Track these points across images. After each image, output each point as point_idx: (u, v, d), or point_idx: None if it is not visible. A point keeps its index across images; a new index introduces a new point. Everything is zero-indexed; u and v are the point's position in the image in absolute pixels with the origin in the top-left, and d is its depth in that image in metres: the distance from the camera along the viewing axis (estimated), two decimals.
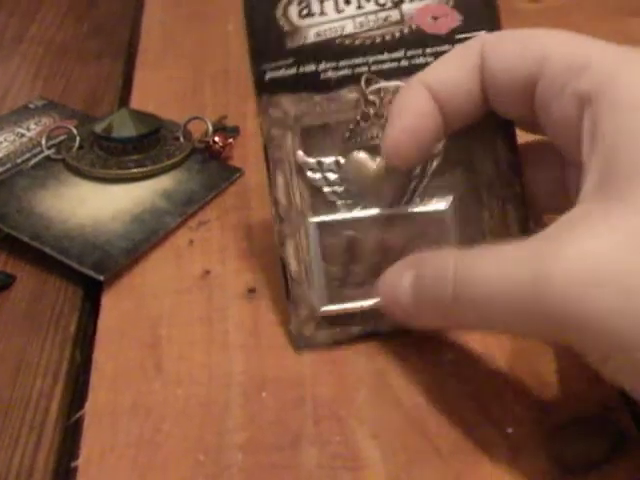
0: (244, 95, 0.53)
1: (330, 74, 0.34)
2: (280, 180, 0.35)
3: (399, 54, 0.34)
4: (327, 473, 0.30)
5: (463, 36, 0.34)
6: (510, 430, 0.31)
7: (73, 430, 0.33)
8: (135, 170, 0.45)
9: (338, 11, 0.34)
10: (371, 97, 0.34)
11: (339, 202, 0.34)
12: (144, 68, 0.58)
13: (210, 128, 0.47)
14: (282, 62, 0.34)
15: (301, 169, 0.34)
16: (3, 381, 0.34)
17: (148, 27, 0.64)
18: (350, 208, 0.34)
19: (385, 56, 0.34)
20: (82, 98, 0.55)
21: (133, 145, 0.46)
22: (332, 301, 0.34)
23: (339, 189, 0.34)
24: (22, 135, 0.48)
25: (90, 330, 0.38)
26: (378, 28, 0.34)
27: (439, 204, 0.34)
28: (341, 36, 0.34)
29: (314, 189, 0.34)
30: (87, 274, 0.39)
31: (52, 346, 0.36)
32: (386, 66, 0.34)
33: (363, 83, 0.34)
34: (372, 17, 0.34)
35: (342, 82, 0.34)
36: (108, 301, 0.38)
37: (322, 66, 0.34)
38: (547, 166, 0.35)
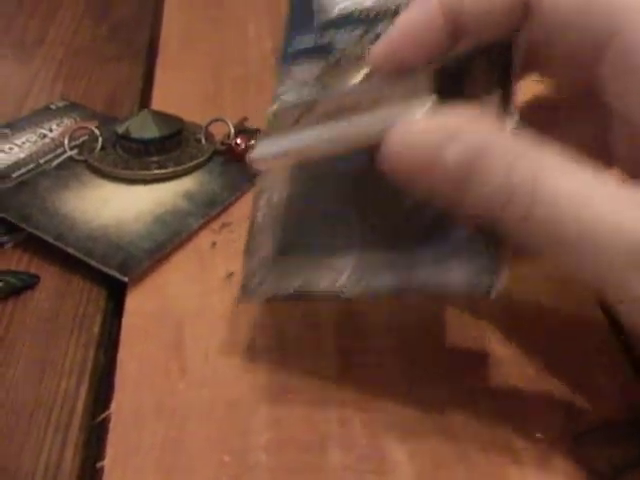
0: (264, 97, 0.53)
1: (344, 42, 0.35)
2: None
3: None
4: (353, 476, 0.30)
5: None
6: (539, 435, 0.31)
7: (98, 431, 0.33)
8: (157, 171, 0.45)
9: None
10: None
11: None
12: (164, 70, 0.58)
13: (232, 130, 0.47)
14: (306, 36, 0.35)
15: None
16: (28, 381, 0.34)
17: (167, 30, 0.64)
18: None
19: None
20: (103, 99, 0.55)
21: (155, 146, 0.46)
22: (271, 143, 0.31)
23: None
24: (44, 136, 0.48)
25: (114, 331, 0.38)
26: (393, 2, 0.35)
27: None
28: (359, 9, 0.35)
29: None
30: (112, 275, 0.39)
31: (76, 347, 0.36)
32: None
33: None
34: None
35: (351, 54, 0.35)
36: (132, 302, 0.38)
37: (338, 36, 0.35)
38: (587, 122, 0.32)
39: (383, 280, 0.30)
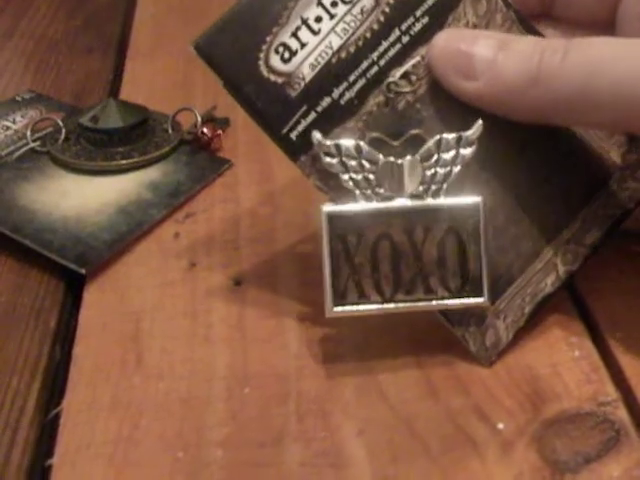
0: None
1: (348, 94, 0.32)
2: None
3: (395, 35, 0.32)
4: (310, 471, 0.29)
5: None
6: (501, 426, 0.29)
7: (51, 428, 0.32)
8: (121, 162, 0.44)
9: (315, 33, 0.31)
10: (401, 83, 0.32)
11: (357, 192, 0.31)
12: (135, 61, 0.57)
13: (199, 119, 0.46)
14: (297, 114, 0.31)
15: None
16: None
17: (140, 20, 0.63)
18: (369, 199, 0.31)
19: (385, 44, 0.32)
20: (71, 91, 0.54)
21: (119, 136, 0.45)
22: (342, 302, 0.32)
23: (358, 177, 0.31)
24: (7, 128, 0.47)
25: (72, 325, 0.37)
26: (362, 24, 0.32)
27: (471, 197, 0.31)
28: (333, 54, 0.32)
29: (330, 175, 0.31)
30: (69, 267, 0.38)
31: (31, 342, 0.35)
32: (391, 52, 0.32)
33: (385, 88, 0.32)
34: (349, 18, 0.32)
35: (363, 94, 0.32)
36: (90, 295, 0.37)
37: (336, 92, 0.31)
38: None
39: None
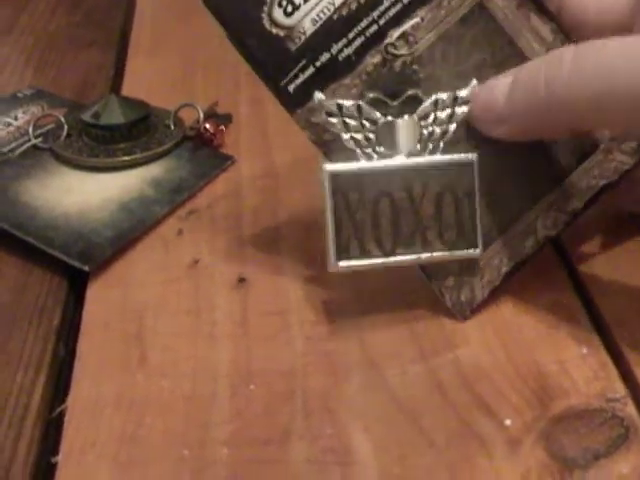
0: (237, 82, 0.52)
1: (346, 51, 0.32)
2: None
3: None
4: (317, 468, 0.29)
5: None
6: (508, 422, 0.29)
7: (56, 425, 0.32)
8: (123, 158, 0.44)
9: None
10: (400, 46, 0.32)
11: (358, 150, 0.32)
12: (136, 56, 0.57)
13: (201, 115, 0.46)
14: (297, 68, 0.32)
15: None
16: None
17: (141, 15, 0.63)
18: (369, 157, 0.32)
19: (385, 4, 0.32)
20: (73, 87, 0.54)
21: (121, 132, 0.45)
22: (345, 256, 0.32)
23: (358, 136, 0.32)
24: (9, 124, 0.47)
25: (75, 322, 0.36)
26: None
27: (466, 155, 0.32)
28: (335, 10, 0.32)
29: (325, 130, 0.32)
30: (72, 264, 0.37)
31: (35, 339, 0.35)
32: (391, 12, 0.32)
33: (383, 49, 0.32)
34: None
35: (361, 52, 0.32)
36: (93, 292, 0.37)
37: (335, 48, 0.32)
38: None
39: None
